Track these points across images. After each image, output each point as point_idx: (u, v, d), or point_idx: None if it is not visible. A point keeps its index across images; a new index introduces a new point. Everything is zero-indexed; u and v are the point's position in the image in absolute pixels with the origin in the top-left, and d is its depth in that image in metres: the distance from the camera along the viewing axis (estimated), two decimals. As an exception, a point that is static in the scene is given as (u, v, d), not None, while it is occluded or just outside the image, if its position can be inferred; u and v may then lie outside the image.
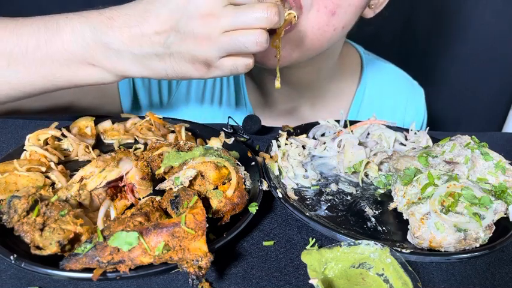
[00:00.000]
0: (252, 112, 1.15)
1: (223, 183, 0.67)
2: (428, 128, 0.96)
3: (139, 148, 0.83)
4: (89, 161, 0.76)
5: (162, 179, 0.70)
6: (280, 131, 0.91)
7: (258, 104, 1.16)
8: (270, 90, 1.13)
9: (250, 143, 0.94)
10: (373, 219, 0.72)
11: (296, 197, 0.75)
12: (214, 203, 0.64)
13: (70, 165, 0.76)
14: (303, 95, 1.14)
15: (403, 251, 0.61)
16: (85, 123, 0.83)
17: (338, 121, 0.98)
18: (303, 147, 0.90)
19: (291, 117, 1.16)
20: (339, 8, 0.81)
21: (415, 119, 1.26)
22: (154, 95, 1.12)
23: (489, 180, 0.72)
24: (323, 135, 0.94)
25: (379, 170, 0.83)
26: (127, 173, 0.67)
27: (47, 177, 0.70)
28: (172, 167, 0.70)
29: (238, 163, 0.73)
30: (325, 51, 0.94)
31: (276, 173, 0.79)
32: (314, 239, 0.66)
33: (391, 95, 1.23)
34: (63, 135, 0.80)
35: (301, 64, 0.99)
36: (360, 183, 0.81)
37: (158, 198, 0.63)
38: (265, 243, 0.65)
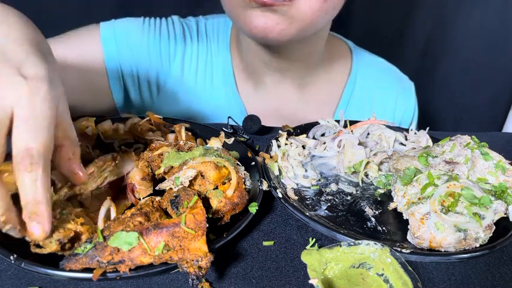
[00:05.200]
0: (242, 102, 1.15)
1: (223, 183, 0.67)
2: (428, 128, 0.96)
3: (139, 148, 0.83)
4: (89, 161, 0.76)
5: (162, 179, 0.70)
6: (280, 131, 0.91)
7: (248, 95, 1.16)
8: (261, 78, 1.14)
9: (250, 143, 0.94)
10: (373, 219, 0.72)
11: (296, 197, 0.75)
12: (214, 203, 0.64)
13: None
14: (293, 82, 1.15)
15: (403, 251, 0.61)
16: (85, 124, 0.83)
17: (338, 121, 0.98)
18: (303, 147, 0.90)
19: (282, 106, 1.17)
20: None
21: (406, 113, 1.27)
22: (144, 91, 1.13)
23: (489, 180, 0.72)
24: (323, 135, 0.94)
25: (379, 170, 0.83)
26: (128, 173, 0.67)
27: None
28: (172, 167, 0.70)
29: (238, 163, 0.73)
30: (315, 33, 0.99)
31: (276, 173, 0.79)
32: (314, 239, 0.66)
33: (381, 88, 1.24)
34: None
35: (293, 47, 1.02)
36: (360, 183, 0.81)
37: (158, 198, 0.63)
38: (265, 243, 0.65)
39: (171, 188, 0.66)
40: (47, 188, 0.49)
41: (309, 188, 0.79)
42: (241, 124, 0.95)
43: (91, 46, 1.03)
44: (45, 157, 0.48)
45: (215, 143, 0.84)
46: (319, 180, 0.82)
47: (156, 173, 0.71)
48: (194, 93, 1.14)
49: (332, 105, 1.21)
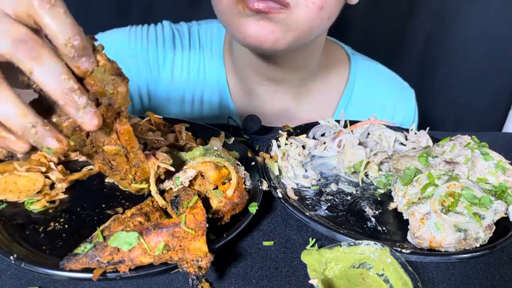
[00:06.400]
0: (235, 111, 1.15)
1: (223, 183, 0.67)
2: (428, 128, 0.96)
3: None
4: (88, 162, 0.76)
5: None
6: (280, 131, 0.91)
7: (241, 102, 1.16)
8: (254, 87, 1.12)
9: (250, 143, 0.94)
10: (373, 219, 0.72)
11: (296, 197, 0.75)
12: (214, 203, 0.64)
13: (70, 165, 0.76)
14: (288, 91, 1.14)
15: (403, 251, 0.61)
16: (85, 123, 0.83)
17: (338, 121, 0.98)
18: (303, 147, 0.90)
19: (277, 115, 1.16)
20: (326, 3, 0.84)
21: (405, 120, 1.25)
22: (135, 100, 1.13)
23: (489, 180, 0.72)
24: (323, 135, 0.94)
25: (379, 170, 0.83)
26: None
27: (47, 177, 0.70)
28: (172, 167, 0.70)
29: (238, 163, 0.73)
30: (311, 42, 0.97)
31: (276, 173, 0.79)
32: (314, 239, 0.66)
33: (380, 95, 1.23)
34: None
35: (288, 57, 1.00)
36: (360, 183, 0.81)
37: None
38: (265, 243, 0.65)
39: (171, 188, 0.66)
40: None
41: (309, 188, 0.79)
42: (241, 124, 0.95)
43: None
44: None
45: (215, 143, 0.84)
46: (319, 180, 0.82)
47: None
48: (186, 100, 1.14)
49: (329, 113, 1.20)
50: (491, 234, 0.63)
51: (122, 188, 0.65)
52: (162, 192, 0.66)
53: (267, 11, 0.81)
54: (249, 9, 0.81)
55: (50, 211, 0.65)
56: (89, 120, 0.48)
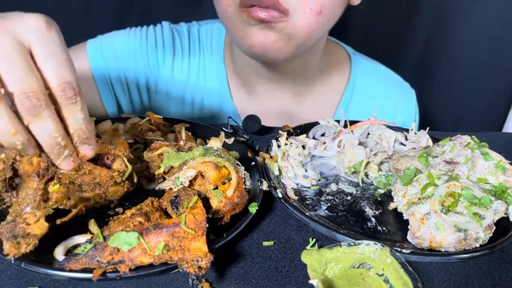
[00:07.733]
0: (236, 111, 1.15)
1: (223, 183, 0.67)
2: (428, 128, 0.96)
3: (139, 148, 0.83)
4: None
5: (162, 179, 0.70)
6: (280, 131, 0.91)
7: (242, 102, 1.16)
8: (254, 87, 1.13)
9: (250, 143, 0.94)
10: (373, 219, 0.72)
11: (296, 197, 0.75)
12: (214, 203, 0.64)
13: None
14: (288, 91, 1.14)
15: (403, 251, 0.61)
16: (85, 123, 0.83)
17: (338, 121, 0.98)
18: (303, 147, 0.90)
19: (277, 115, 1.16)
20: (324, 7, 0.84)
21: (407, 121, 1.25)
22: (135, 101, 1.13)
23: (489, 180, 0.72)
24: (323, 135, 0.94)
25: (379, 170, 0.83)
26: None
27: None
28: (172, 167, 0.70)
29: (238, 163, 0.73)
30: (311, 46, 0.97)
31: (276, 173, 0.79)
32: (314, 239, 0.66)
33: (381, 95, 1.23)
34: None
35: (288, 60, 0.99)
36: (360, 183, 0.81)
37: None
38: (265, 243, 0.65)
39: (171, 188, 0.66)
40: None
41: (309, 188, 0.79)
42: (241, 124, 0.95)
43: (79, 65, 1.03)
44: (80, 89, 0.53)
45: (215, 143, 0.84)
46: (319, 180, 0.82)
47: (156, 173, 0.71)
48: (186, 100, 1.14)
49: (329, 113, 1.20)
50: (491, 234, 0.63)
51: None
52: (162, 193, 0.66)
53: (269, 20, 0.82)
54: (253, 19, 0.82)
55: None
56: (67, 166, 0.56)
